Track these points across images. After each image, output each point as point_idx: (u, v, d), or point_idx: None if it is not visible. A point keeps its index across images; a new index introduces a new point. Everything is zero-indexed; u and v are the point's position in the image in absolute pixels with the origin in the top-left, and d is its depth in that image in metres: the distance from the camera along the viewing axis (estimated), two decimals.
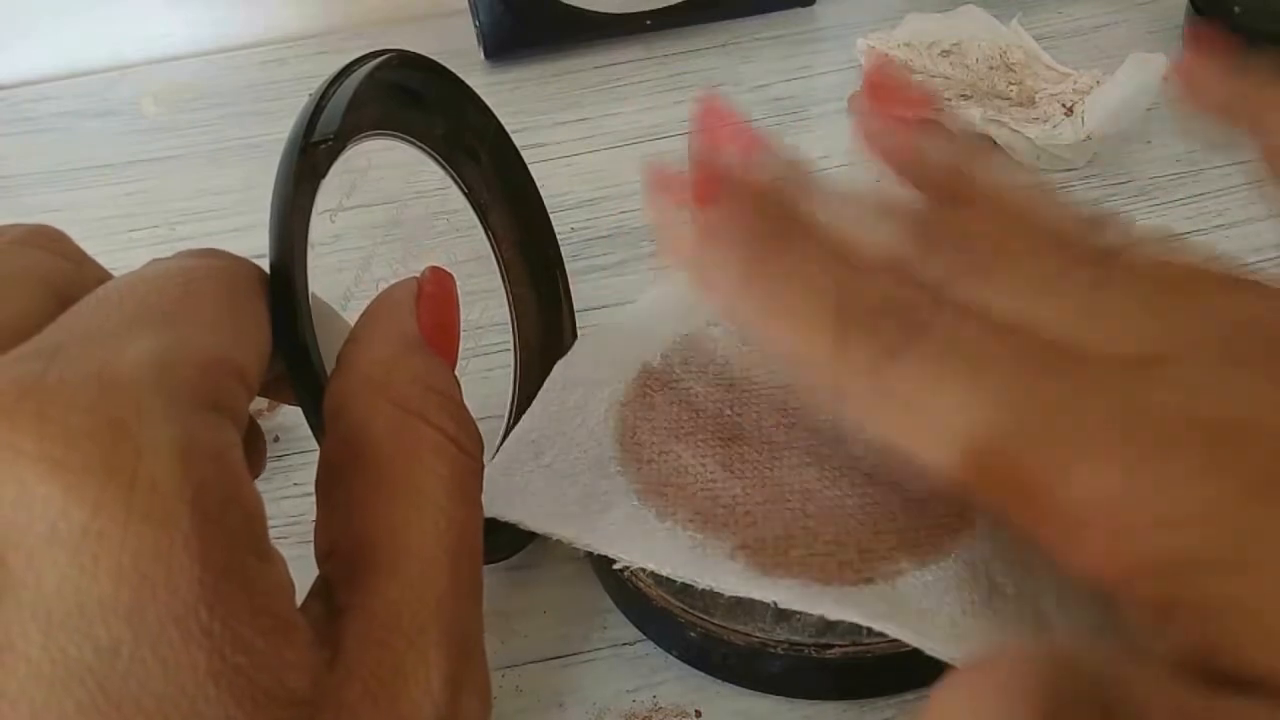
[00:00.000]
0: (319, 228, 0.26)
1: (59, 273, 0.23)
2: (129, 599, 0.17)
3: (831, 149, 0.53)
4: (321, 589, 0.21)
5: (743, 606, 0.29)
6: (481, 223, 0.36)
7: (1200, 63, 0.30)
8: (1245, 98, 0.29)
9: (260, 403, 0.39)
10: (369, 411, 0.22)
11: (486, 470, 0.25)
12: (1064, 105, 0.50)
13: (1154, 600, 0.21)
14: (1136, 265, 0.25)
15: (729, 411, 0.33)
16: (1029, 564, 0.29)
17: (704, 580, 0.28)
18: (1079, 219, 0.27)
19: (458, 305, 0.26)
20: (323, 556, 0.22)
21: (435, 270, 0.26)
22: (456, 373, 0.25)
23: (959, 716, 0.18)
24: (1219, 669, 0.19)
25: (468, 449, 0.23)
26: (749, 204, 0.27)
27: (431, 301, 0.25)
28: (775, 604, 0.28)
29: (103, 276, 0.24)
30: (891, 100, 0.29)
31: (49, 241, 0.24)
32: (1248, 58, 0.29)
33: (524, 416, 0.34)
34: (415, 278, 0.26)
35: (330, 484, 0.22)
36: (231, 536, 0.18)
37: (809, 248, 0.26)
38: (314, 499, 0.23)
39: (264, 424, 0.40)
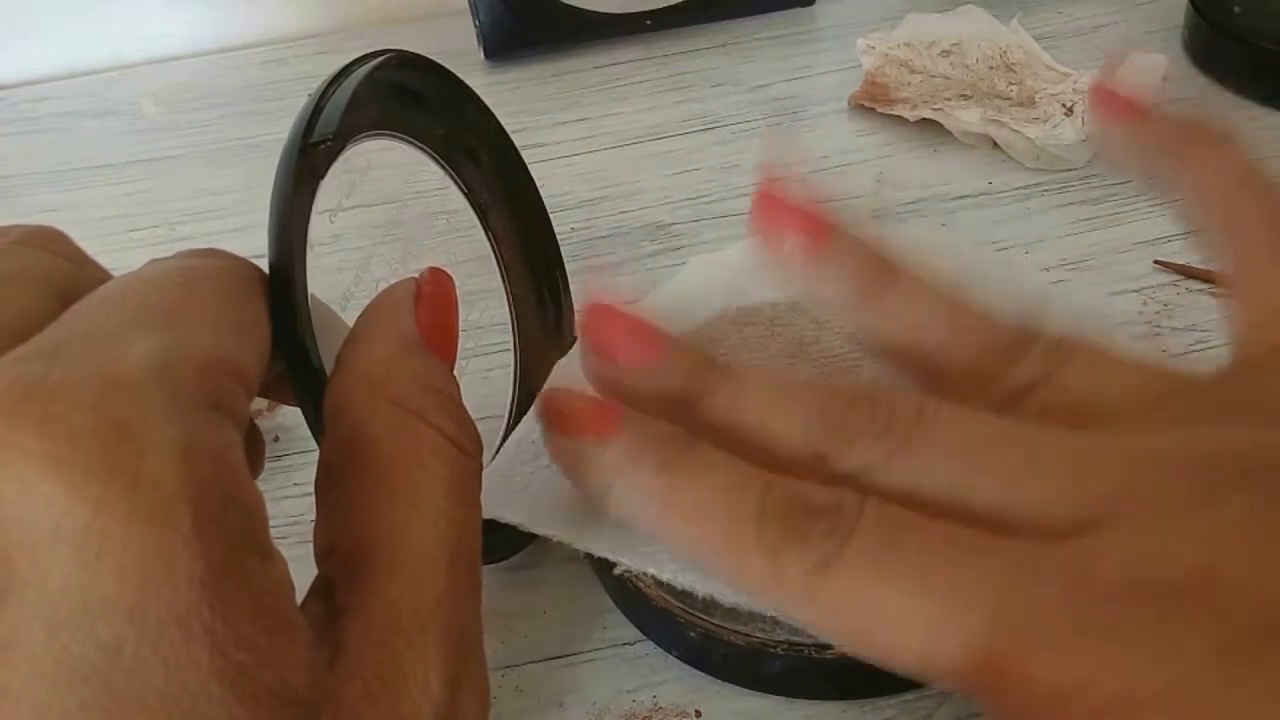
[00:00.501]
0: (319, 228, 0.26)
1: (60, 273, 0.23)
2: (132, 597, 0.17)
3: (831, 149, 0.53)
4: (321, 588, 0.21)
5: (742, 607, 0.29)
6: (481, 223, 0.36)
7: (1116, 112, 0.29)
8: (1166, 139, 0.29)
9: (260, 403, 0.39)
10: (368, 411, 0.22)
11: (486, 471, 0.25)
12: (1064, 105, 0.50)
13: None
14: (1056, 403, 0.24)
15: None
16: None
17: (704, 587, 0.28)
18: (1002, 342, 0.26)
19: (456, 306, 0.26)
20: (322, 556, 0.22)
21: (434, 271, 0.26)
22: (455, 373, 0.25)
23: None
24: None
25: (467, 449, 0.23)
26: (650, 431, 0.25)
27: (430, 302, 0.25)
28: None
29: (104, 277, 0.24)
30: (783, 216, 0.27)
31: (50, 242, 0.24)
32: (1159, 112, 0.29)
33: (524, 417, 0.34)
34: (414, 278, 0.26)
35: (329, 484, 0.22)
36: (233, 536, 0.18)
37: (717, 467, 0.24)
38: (314, 499, 0.23)
39: (264, 424, 0.40)
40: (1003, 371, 0.25)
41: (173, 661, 0.17)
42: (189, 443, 0.18)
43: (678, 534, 0.24)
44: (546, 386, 0.34)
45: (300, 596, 0.21)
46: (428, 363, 0.24)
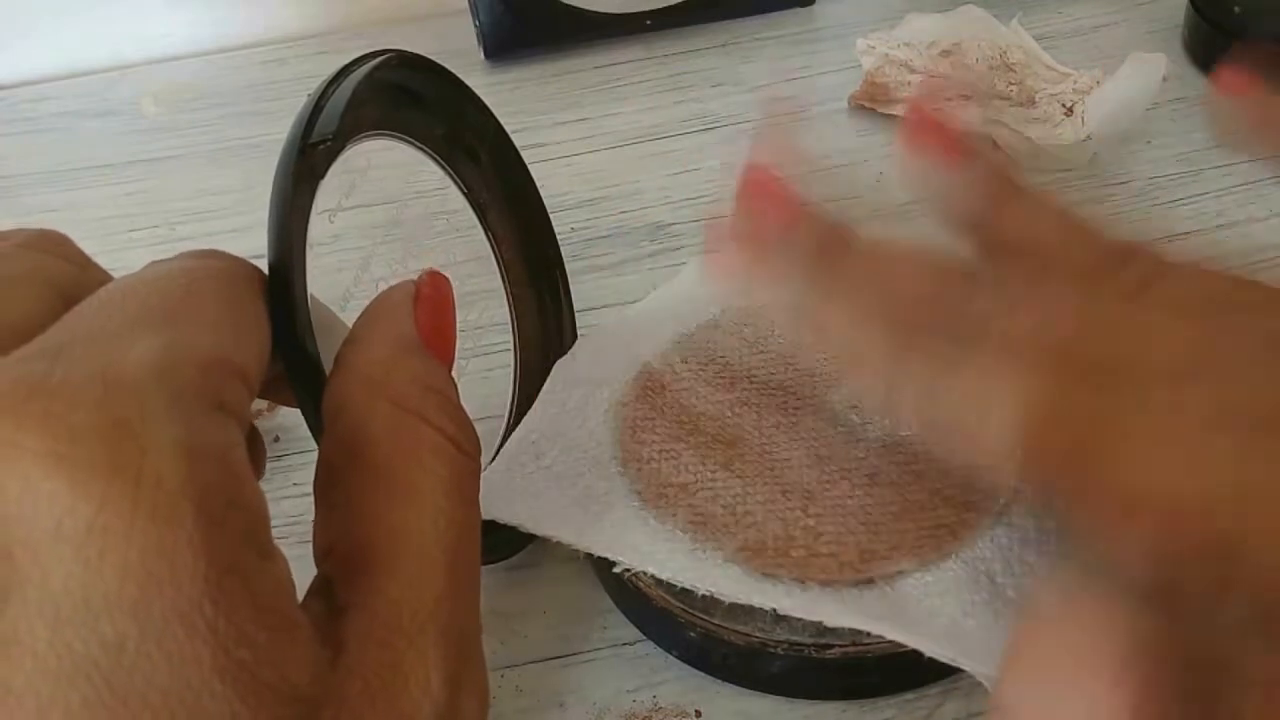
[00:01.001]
0: (318, 228, 0.26)
1: (63, 276, 0.23)
2: (134, 594, 0.17)
3: (831, 149, 0.53)
4: (321, 587, 0.22)
5: (743, 607, 0.29)
6: (481, 223, 0.36)
7: (1248, 96, 0.31)
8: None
9: (260, 403, 0.39)
10: (368, 411, 0.23)
11: (487, 471, 0.25)
12: (1064, 105, 0.50)
13: (1210, 579, 0.21)
14: (1168, 294, 0.26)
15: (730, 412, 0.33)
16: (1031, 565, 0.29)
17: (704, 586, 0.28)
18: (1111, 250, 0.28)
19: (454, 309, 0.26)
20: (321, 556, 0.22)
21: (432, 274, 0.26)
22: (454, 374, 0.25)
23: (1049, 652, 0.20)
24: None
25: (466, 450, 0.23)
26: (806, 225, 0.29)
27: (429, 304, 0.25)
28: (775, 610, 0.28)
29: (106, 280, 0.24)
30: (931, 138, 0.31)
31: (53, 245, 0.24)
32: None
33: (525, 418, 0.34)
34: (412, 281, 0.26)
35: (329, 484, 0.22)
36: (234, 535, 0.18)
37: (871, 261, 0.28)
38: (313, 499, 0.23)
39: (264, 424, 0.40)
40: (1110, 275, 0.27)
41: (175, 658, 0.17)
42: (191, 442, 0.18)
43: (816, 319, 0.28)
44: (546, 390, 0.34)
45: (300, 595, 0.21)
46: (427, 364, 0.24)
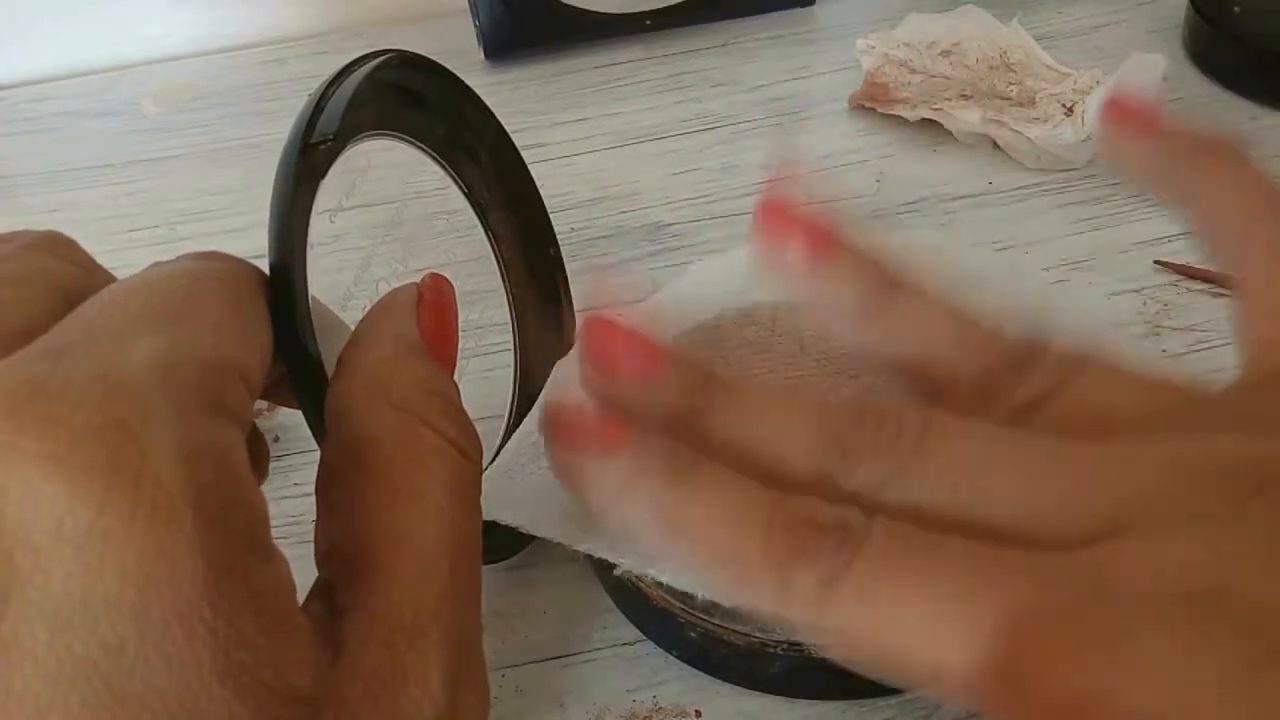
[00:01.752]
0: (319, 228, 0.26)
1: (69, 278, 0.23)
2: (134, 597, 0.17)
3: (831, 149, 0.53)
4: (322, 589, 0.22)
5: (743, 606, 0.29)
6: (481, 223, 0.36)
7: (1123, 125, 0.28)
8: (1172, 164, 0.28)
9: (260, 403, 0.39)
10: (370, 414, 0.23)
11: (488, 472, 0.25)
12: (1064, 105, 0.50)
13: None
14: (1066, 417, 0.24)
15: None
16: None
17: (703, 591, 0.28)
18: (1003, 355, 0.25)
19: (456, 312, 0.26)
20: (323, 558, 0.22)
21: (435, 276, 0.26)
22: (455, 376, 0.25)
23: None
24: None
25: (468, 453, 0.23)
26: (654, 446, 0.24)
27: (431, 308, 0.25)
28: None
29: (111, 282, 0.24)
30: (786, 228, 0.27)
31: (58, 247, 0.24)
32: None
33: (526, 418, 0.34)
34: (415, 284, 0.26)
35: (331, 486, 0.22)
36: (234, 536, 0.18)
37: (723, 484, 0.23)
38: (314, 499, 0.23)
39: (264, 424, 0.40)
40: (1011, 385, 0.25)
41: (175, 660, 0.17)
42: (191, 444, 0.18)
43: (683, 550, 0.23)
44: (546, 391, 0.34)
45: (301, 596, 0.21)
46: (429, 367, 0.24)
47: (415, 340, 0.24)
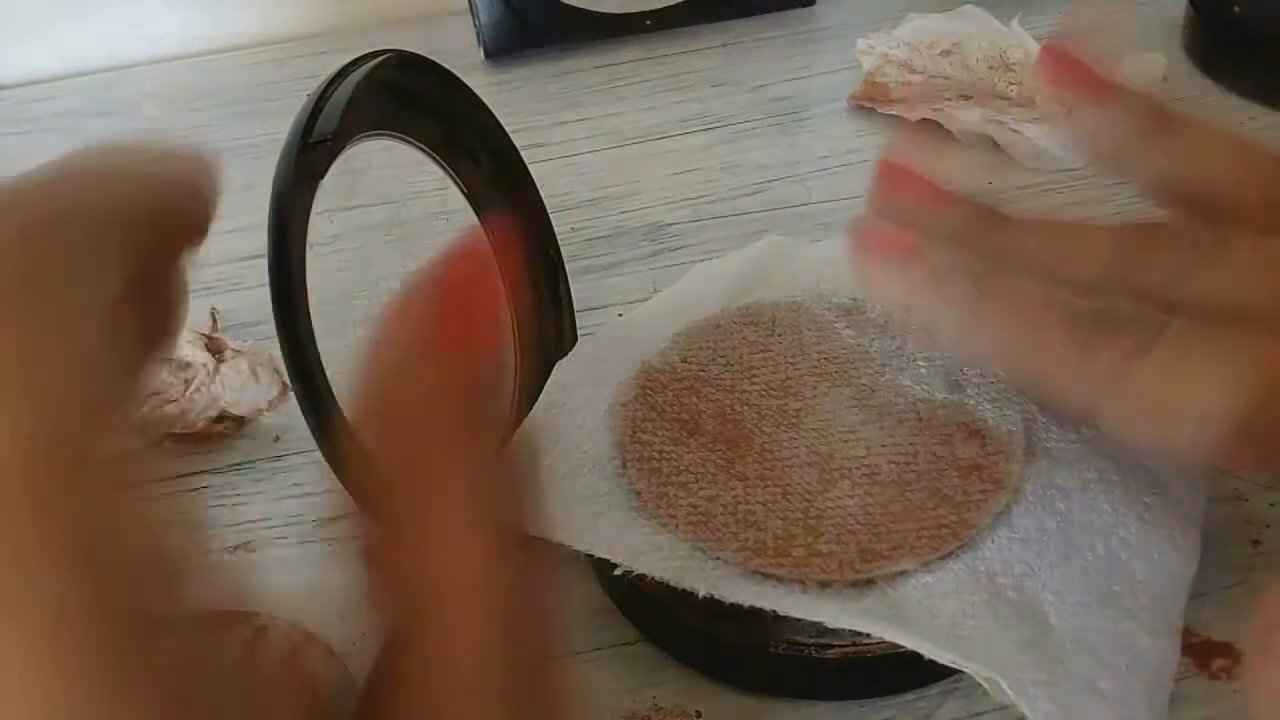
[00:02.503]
0: (318, 228, 0.26)
1: None
2: None
3: (831, 149, 0.53)
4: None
5: (743, 607, 0.29)
6: (481, 223, 0.36)
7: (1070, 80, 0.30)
8: (1117, 134, 0.30)
9: (260, 402, 0.39)
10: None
11: None
12: (1064, 105, 0.50)
13: None
14: None
15: (731, 412, 0.33)
16: (1031, 566, 0.29)
17: (704, 586, 0.28)
18: None
19: (492, 279, 0.20)
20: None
21: (453, 255, 0.20)
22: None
23: None
24: None
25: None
26: (958, 249, 0.28)
27: (447, 290, 0.22)
28: (775, 611, 0.28)
29: None
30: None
31: None
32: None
33: (526, 418, 0.34)
34: (418, 279, 0.23)
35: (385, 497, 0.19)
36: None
37: (1030, 276, 0.27)
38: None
39: (264, 422, 0.40)
40: None
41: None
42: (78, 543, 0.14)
43: (984, 336, 0.28)
44: (546, 392, 0.34)
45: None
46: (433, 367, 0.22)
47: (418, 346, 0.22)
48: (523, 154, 0.37)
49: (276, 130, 0.25)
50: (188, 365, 0.38)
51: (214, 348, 0.38)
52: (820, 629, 0.29)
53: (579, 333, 0.39)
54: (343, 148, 0.27)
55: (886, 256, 0.29)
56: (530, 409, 0.34)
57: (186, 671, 0.15)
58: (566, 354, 0.37)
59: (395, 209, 0.33)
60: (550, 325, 0.38)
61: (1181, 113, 0.29)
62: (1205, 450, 0.25)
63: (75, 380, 0.14)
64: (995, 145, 0.51)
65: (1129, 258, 0.27)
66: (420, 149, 0.33)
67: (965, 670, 0.26)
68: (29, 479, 0.13)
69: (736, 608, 0.29)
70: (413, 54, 0.31)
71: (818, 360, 0.35)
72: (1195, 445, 0.25)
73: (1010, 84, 0.53)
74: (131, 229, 0.18)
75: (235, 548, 0.34)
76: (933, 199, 0.29)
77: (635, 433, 0.33)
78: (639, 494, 0.31)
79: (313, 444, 0.24)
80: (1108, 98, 0.29)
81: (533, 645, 0.19)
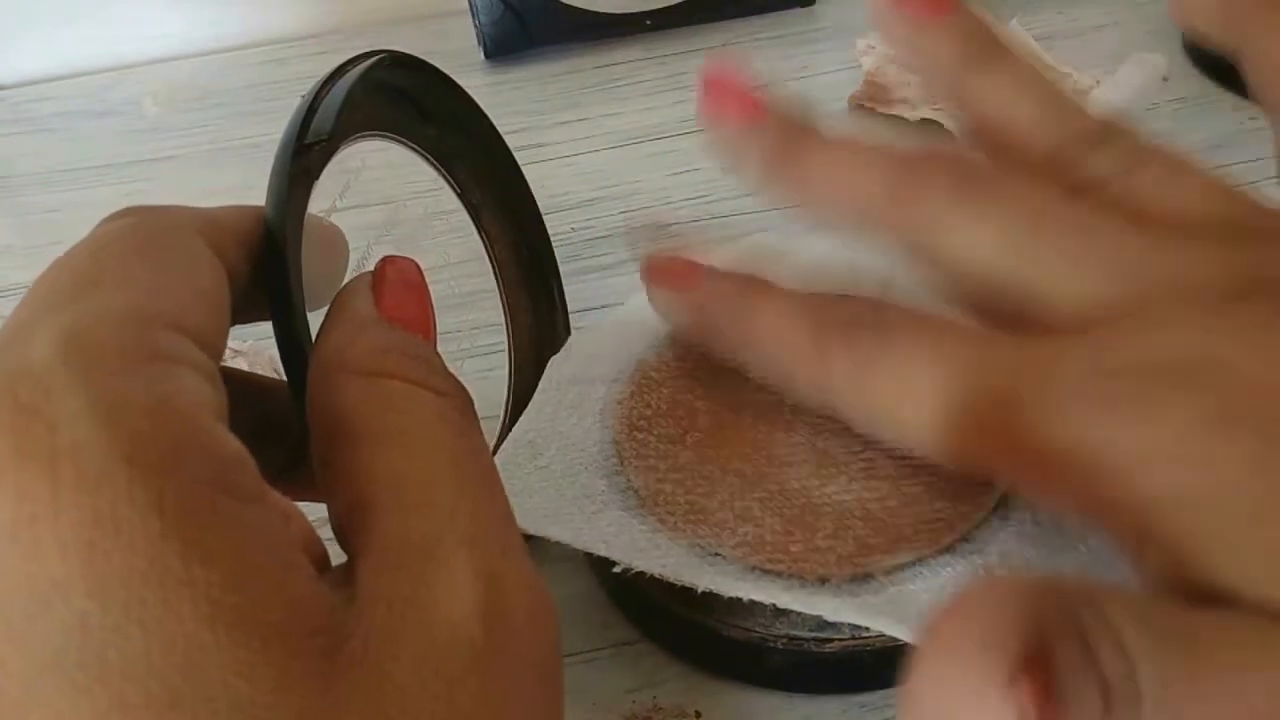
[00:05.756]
0: None
1: None
2: (82, 571, 0.16)
3: None
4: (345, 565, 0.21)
5: (742, 602, 0.29)
6: (475, 224, 0.36)
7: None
8: (1238, 11, 0.30)
9: None
10: (333, 390, 0.22)
11: None
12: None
13: (1126, 533, 0.22)
14: (1125, 199, 0.26)
15: (727, 408, 0.33)
16: (1028, 559, 0.29)
17: (703, 583, 0.28)
18: (1086, 130, 0.27)
19: (423, 284, 0.25)
20: (338, 535, 0.21)
21: (390, 257, 0.26)
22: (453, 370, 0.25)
23: (945, 662, 0.18)
24: (1193, 589, 0.20)
25: (443, 390, 0.23)
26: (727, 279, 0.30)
27: (390, 284, 0.25)
28: (774, 605, 0.28)
29: None
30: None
31: None
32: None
33: (521, 417, 0.34)
34: (370, 271, 0.25)
35: (324, 472, 0.22)
36: (189, 481, 0.17)
37: (782, 290, 0.29)
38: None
39: None
40: (1082, 159, 0.27)
41: (150, 621, 0.16)
42: (111, 401, 0.17)
43: (749, 349, 0.29)
44: (540, 391, 0.34)
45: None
46: (386, 332, 0.23)
47: (368, 314, 0.24)
48: (523, 154, 0.37)
49: (276, 130, 0.25)
50: None
51: None
52: (819, 623, 0.29)
53: (573, 332, 0.39)
54: (337, 148, 0.27)
55: (670, 288, 0.31)
56: (524, 408, 0.35)
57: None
58: (560, 351, 0.37)
59: (390, 209, 0.33)
60: (544, 326, 0.38)
61: (1005, 46, 0.29)
62: (927, 443, 0.26)
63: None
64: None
65: (899, 190, 0.27)
66: (414, 150, 0.33)
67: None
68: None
69: (736, 603, 0.29)
70: (406, 54, 0.31)
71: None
72: (917, 437, 0.26)
73: None
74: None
75: None
76: (750, 115, 0.29)
77: (631, 430, 0.33)
78: (636, 492, 0.31)
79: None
80: (942, 12, 0.29)
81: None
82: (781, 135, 0.29)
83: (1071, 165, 0.27)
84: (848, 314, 0.27)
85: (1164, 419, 0.21)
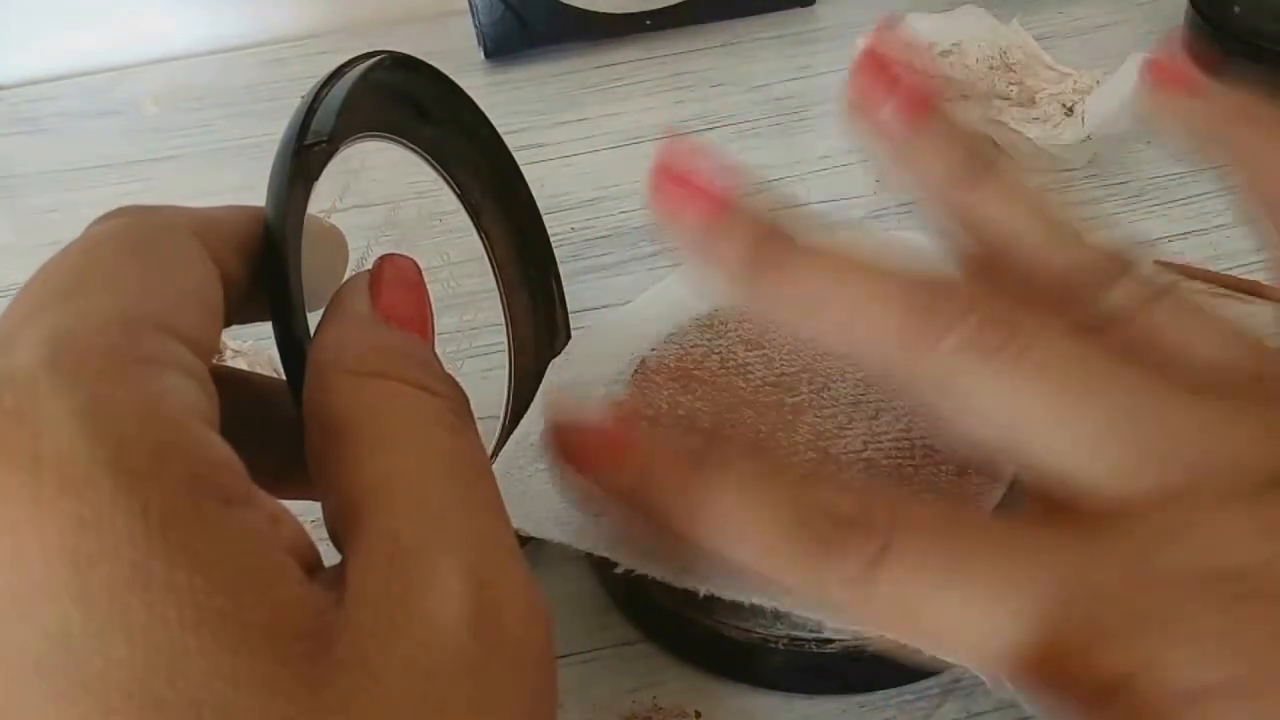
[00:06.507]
0: None
1: None
2: (66, 575, 0.16)
3: (831, 149, 0.53)
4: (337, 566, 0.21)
5: (743, 604, 0.29)
6: (475, 224, 0.36)
7: (1170, 76, 0.28)
8: (1221, 122, 0.28)
9: None
10: (328, 389, 0.22)
11: None
12: (1064, 105, 0.50)
13: None
14: (1140, 342, 0.23)
15: (726, 408, 0.33)
16: None
17: (704, 586, 0.28)
18: (1088, 261, 0.24)
19: (421, 284, 0.25)
20: (331, 536, 0.21)
21: (388, 255, 0.25)
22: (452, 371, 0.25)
23: None
24: None
25: (438, 390, 0.22)
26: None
27: (388, 284, 0.24)
28: (775, 608, 0.28)
29: None
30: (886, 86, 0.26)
31: None
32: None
33: (522, 419, 0.34)
34: (368, 270, 0.25)
35: (318, 472, 0.22)
36: (174, 485, 0.17)
37: (745, 467, 0.23)
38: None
39: None
40: (1091, 293, 0.24)
41: (134, 626, 0.16)
42: (94, 406, 0.17)
43: (712, 539, 0.23)
44: (542, 392, 0.34)
45: None
46: (383, 331, 0.23)
47: (364, 313, 0.24)
48: (523, 153, 0.37)
49: (276, 130, 0.25)
50: None
51: None
52: (820, 624, 0.29)
53: (573, 333, 0.39)
54: (337, 149, 0.27)
55: (610, 473, 0.24)
56: (524, 408, 0.35)
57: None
58: (560, 354, 0.37)
59: (389, 210, 0.33)
60: (544, 326, 0.38)
61: (998, 159, 0.26)
62: (959, 661, 0.22)
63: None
64: (995, 145, 0.51)
65: (912, 331, 0.23)
66: (414, 150, 0.33)
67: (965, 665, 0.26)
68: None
69: (736, 604, 0.29)
70: (405, 55, 0.31)
71: (812, 356, 0.35)
72: (948, 656, 0.22)
73: (1010, 84, 0.53)
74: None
75: None
76: (713, 213, 0.24)
77: None
78: None
79: None
80: (925, 121, 0.26)
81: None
82: (755, 244, 0.24)
83: (1080, 298, 0.24)
84: (831, 503, 0.22)
85: (1231, 645, 0.19)
